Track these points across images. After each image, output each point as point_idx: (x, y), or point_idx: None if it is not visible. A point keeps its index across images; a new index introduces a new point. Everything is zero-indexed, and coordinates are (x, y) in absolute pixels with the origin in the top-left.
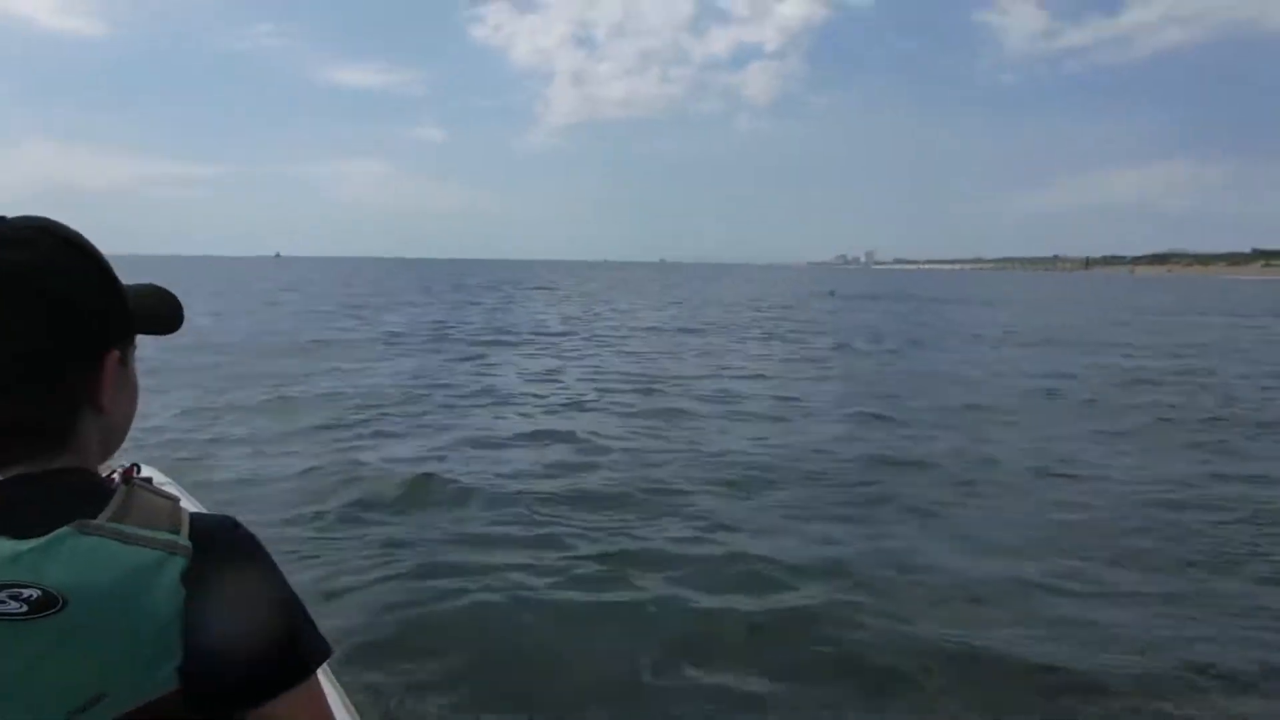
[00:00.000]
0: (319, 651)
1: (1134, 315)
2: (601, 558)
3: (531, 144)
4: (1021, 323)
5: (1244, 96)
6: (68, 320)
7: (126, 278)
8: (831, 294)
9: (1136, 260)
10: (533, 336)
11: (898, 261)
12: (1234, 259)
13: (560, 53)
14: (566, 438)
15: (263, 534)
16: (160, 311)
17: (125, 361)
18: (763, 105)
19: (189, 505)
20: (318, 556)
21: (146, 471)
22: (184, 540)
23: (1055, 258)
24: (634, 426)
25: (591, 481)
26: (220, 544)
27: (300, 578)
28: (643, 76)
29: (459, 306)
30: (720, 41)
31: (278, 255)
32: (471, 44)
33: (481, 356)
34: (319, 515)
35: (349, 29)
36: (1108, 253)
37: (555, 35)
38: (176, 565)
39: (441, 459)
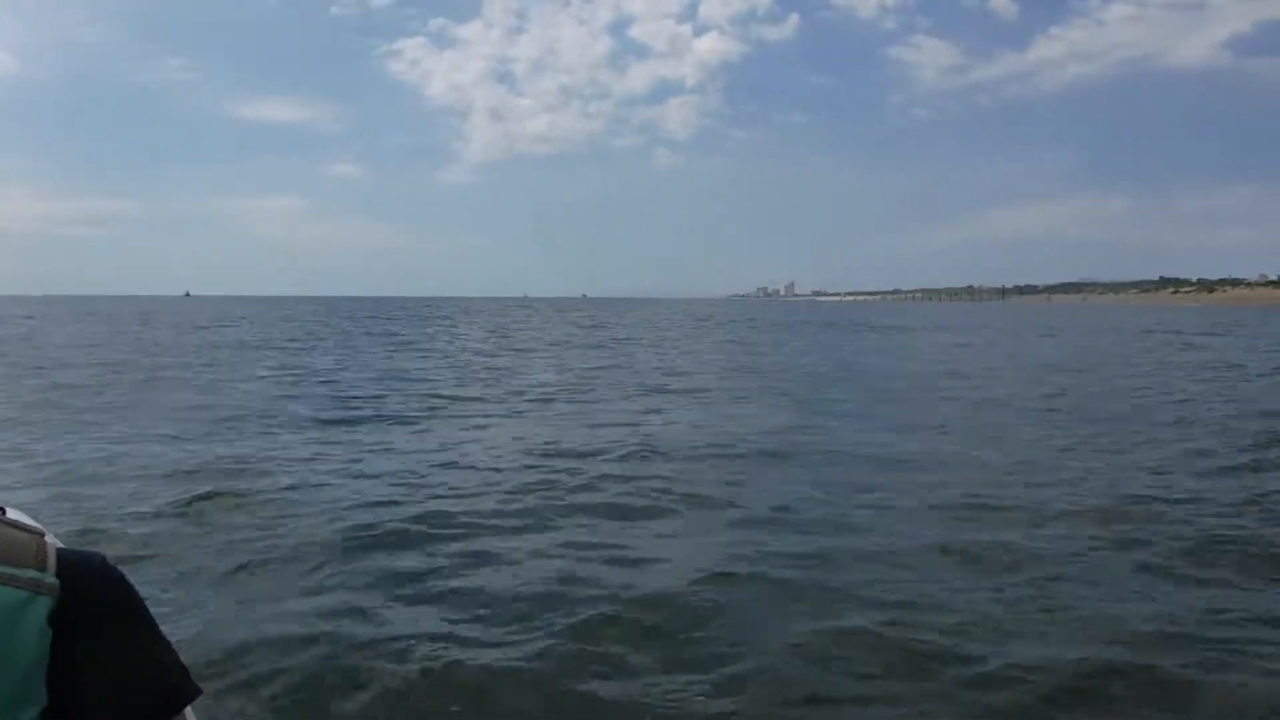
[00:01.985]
0: (188, 693)
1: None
2: None
3: (451, 180)
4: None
5: (1143, 131)
6: None
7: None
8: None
9: (1051, 289)
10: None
11: (816, 294)
12: (1144, 286)
13: (479, 89)
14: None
15: None
16: None
17: None
18: (682, 140)
19: (55, 542)
20: None
21: (11, 514)
22: (50, 578)
23: (970, 288)
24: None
25: None
26: (90, 583)
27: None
28: (563, 112)
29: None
30: (639, 77)
31: (187, 294)
32: (389, 79)
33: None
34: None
35: (262, 63)
36: (1021, 282)
37: (473, 71)
38: (43, 606)
39: None
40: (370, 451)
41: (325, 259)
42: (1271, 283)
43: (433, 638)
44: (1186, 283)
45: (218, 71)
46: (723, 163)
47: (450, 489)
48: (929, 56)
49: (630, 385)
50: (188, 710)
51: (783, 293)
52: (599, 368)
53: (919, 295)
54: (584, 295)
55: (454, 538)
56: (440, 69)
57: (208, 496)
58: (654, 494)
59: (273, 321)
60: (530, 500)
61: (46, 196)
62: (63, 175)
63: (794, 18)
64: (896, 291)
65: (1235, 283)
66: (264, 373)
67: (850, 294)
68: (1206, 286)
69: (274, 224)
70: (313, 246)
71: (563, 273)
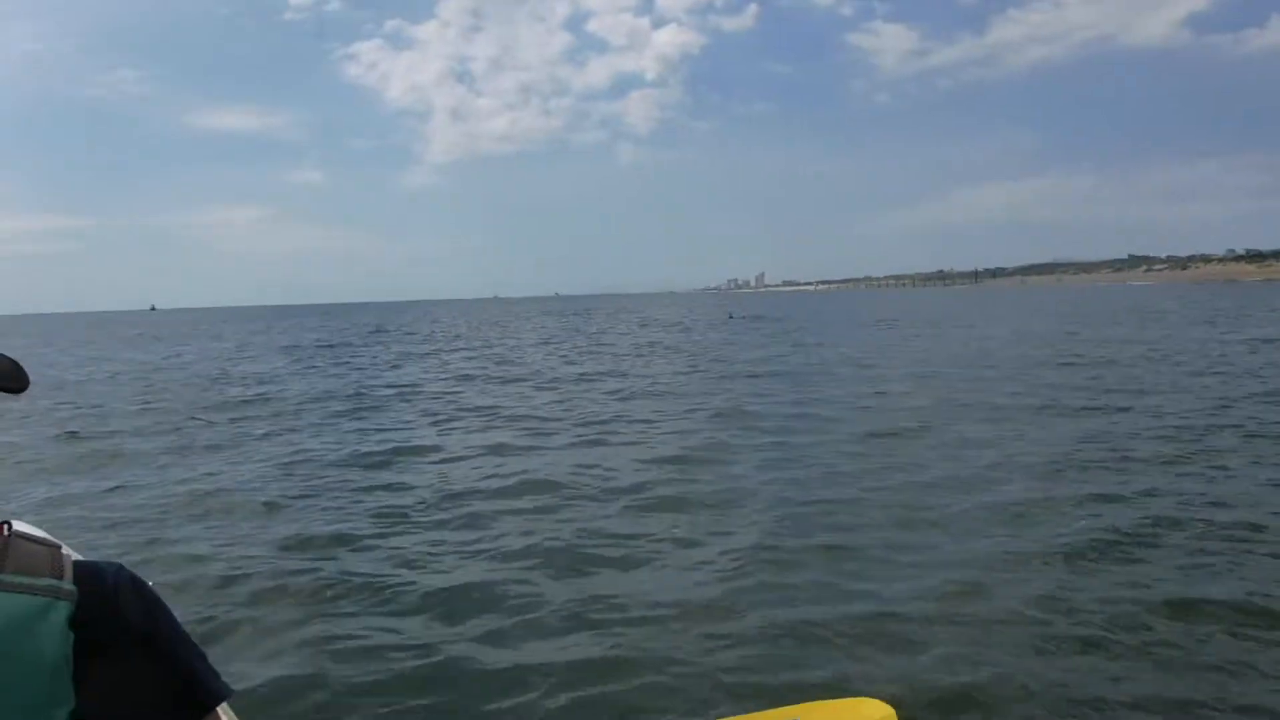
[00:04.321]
0: (218, 692)
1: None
2: None
3: (414, 182)
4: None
5: (1106, 109)
6: None
7: None
8: (730, 316)
9: (1023, 270)
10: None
11: (787, 284)
12: (1117, 265)
13: (438, 89)
14: None
15: None
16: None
17: None
18: (645, 133)
19: (71, 554)
20: None
21: (20, 526)
22: (68, 585)
23: (941, 272)
24: None
25: None
26: (107, 586)
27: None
28: (523, 110)
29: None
30: (600, 72)
31: (153, 308)
32: (346, 83)
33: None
34: None
35: (218, 73)
36: (992, 265)
37: (432, 72)
38: (62, 610)
39: None
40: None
41: (292, 266)
42: (1240, 257)
43: None
44: (1157, 260)
45: (173, 83)
46: (687, 155)
47: None
48: (888, 42)
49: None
50: (219, 710)
51: (753, 284)
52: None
53: (890, 282)
54: (556, 293)
55: None
56: (398, 70)
57: None
58: None
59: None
60: None
61: (4, 215)
62: (19, 193)
63: (752, 7)
64: (868, 278)
65: (1206, 259)
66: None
67: (822, 283)
68: (1178, 263)
69: (239, 233)
70: (279, 254)
71: (533, 271)
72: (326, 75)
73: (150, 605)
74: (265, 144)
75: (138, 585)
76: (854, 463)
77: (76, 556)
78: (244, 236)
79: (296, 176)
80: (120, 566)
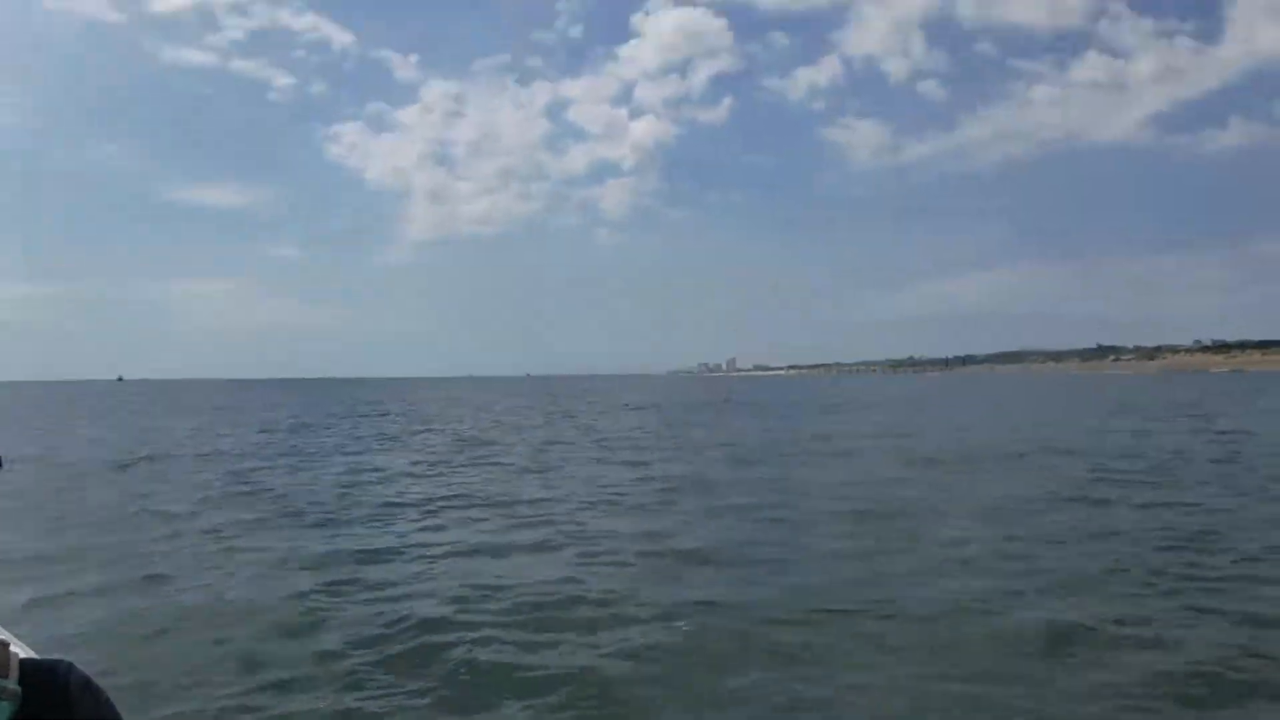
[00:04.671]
0: None
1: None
2: None
3: (392, 261)
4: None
5: (1073, 204)
6: None
7: None
8: (727, 400)
9: (992, 359)
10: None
11: (758, 367)
12: (1086, 355)
13: (418, 171)
14: None
15: None
16: None
17: None
18: (621, 219)
19: (20, 650)
20: None
21: None
22: (12, 685)
23: (911, 359)
24: None
25: None
26: (56, 685)
27: None
28: (502, 193)
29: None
30: (578, 159)
31: (120, 378)
32: (328, 162)
33: None
34: None
35: (200, 149)
36: (962, 352)
37: (413, 154)
38: (4, 710)
39: None
40: None
41: (265, 341)
42: (1206, 348)
43: None
44: (1125, 350)
45: (154, 158)
46: (662, 241)
47: None
48: (860, 137)
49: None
50: None
51: (725, 367)
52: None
53: (861, 368)
54: (528, 374)
55: None
56: (379, 152)
57: None
58: None
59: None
60: None
61: None
62: None
63: (728, 100)
64: (838, 364)
65: (1174, 349)
66: None
67: (792, 367)
68: (1145, 353)
69: (211, 307)
70: (252, 328)
71: (506, 351)
72: (308, 154)
73: (100, 705)
74: (243, 219)
75: (88, 685)
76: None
77: (26, 654)
78: (217, 309)
79: (274, 252)
80: (71, 665)
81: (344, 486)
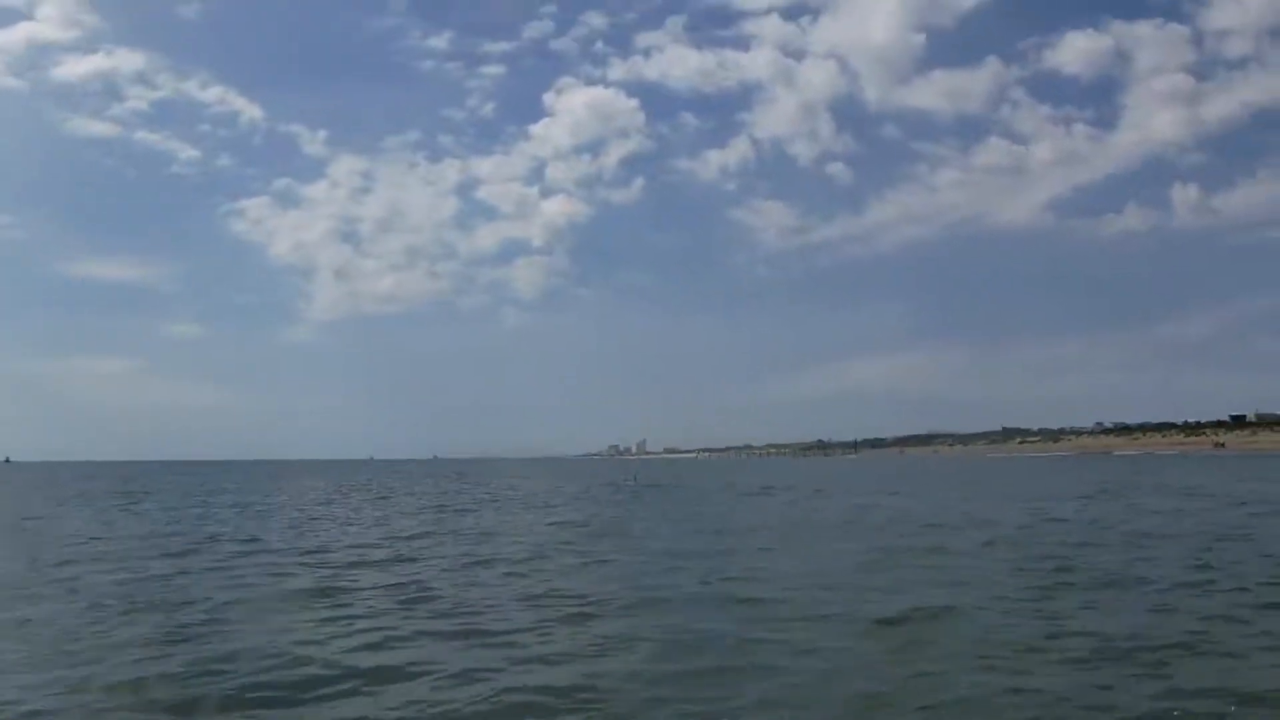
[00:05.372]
0: None
1: None
2: None
3: (294, 339)
4: None
5: (976, 286)
6: None
7: None
8: (634, 479)
9: (900, 441)
10: None
11: (668, 450)
12: (991, 438)
13: (323, 248)
14: None
15: None
16: None
17: None
18: (530, 299)
19: None
20: None
21: None
22: None
23: (820, 442)
24: None
25: None
26: None
27: None
28: (409, 271)
29: None
30: (487, 238)
31: (7, 460)
32: (231, 238)
33: None
34: None
35: (97, 222)
36: (871, 435)
37: (318, 231)
38: None
39: None
40: None
41: (162, 420)
42: (1108, 430)
43: None
44: (1030, 433)
45: (50, 230)
46: (572, 321)
47: None
48: (769, 219)
49: None
50: None
51: (635, 450)
52: None
53: (771, 451)
54: (435, 456)
55: None
56: (285, 228)
57: None
58: None
59: None
60: None
61: None
62: None
63: (639, 181)
64: (749, 447)
65: (1076, 432)
66: None
67: (703, 450)
68: (1050, 435)
69: (106, 385)
70: (149, 408)
71: (412, 433)
72: (210, 229)
73: None
74: (141, 295)
75: None
76: None
77: None
78: (111, 389)
79: (172, 329)
80: None
81: None
